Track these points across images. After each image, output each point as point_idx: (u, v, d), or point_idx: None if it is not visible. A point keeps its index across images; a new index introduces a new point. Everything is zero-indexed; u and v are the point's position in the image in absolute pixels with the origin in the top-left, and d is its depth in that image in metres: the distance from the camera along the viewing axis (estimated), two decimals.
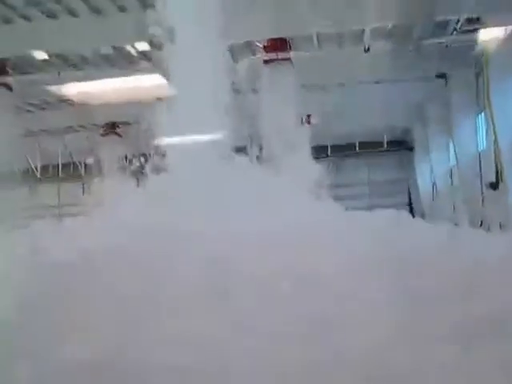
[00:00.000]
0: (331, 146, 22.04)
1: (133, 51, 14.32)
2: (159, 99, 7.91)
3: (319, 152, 21.15)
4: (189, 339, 3.13)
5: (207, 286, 3.74)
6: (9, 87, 14.60)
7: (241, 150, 8.75)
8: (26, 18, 12.67)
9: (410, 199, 23.77)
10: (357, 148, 22.54)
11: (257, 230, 4.93)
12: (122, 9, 12.44)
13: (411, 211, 20.03)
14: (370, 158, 23.12)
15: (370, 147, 22.50)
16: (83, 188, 22.00)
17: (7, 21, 12.73)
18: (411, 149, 23.09)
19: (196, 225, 4.87)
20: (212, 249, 4.30)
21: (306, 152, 13.29)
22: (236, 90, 11.65)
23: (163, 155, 7.64)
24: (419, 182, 22.38)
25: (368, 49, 13.01)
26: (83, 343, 3.13)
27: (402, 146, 23.31)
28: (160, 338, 3.18)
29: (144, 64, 13.80)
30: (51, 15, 12.60)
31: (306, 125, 16.53)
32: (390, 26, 13.13)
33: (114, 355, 3.02)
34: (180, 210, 5.46)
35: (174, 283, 3.82)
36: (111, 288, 3.83)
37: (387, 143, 22.53)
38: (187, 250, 4.26)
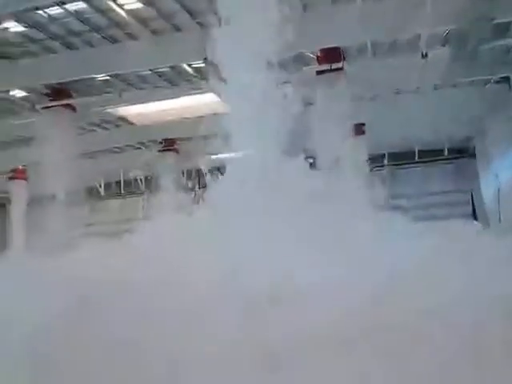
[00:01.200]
0: (389, 155, 21.54)
1: (189, 69, 14.76)
2: (214, 116, 8.03)
3: (376, 161, 20.76)
4: None
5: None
6: (73, 109, 15.47)
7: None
8: (89, 43, 13.40)
9: (473, 209, 22.65)
10: (416, 156, 21.86)
11: (322, 246, 4.84)
12: (179, 29, 12.87)
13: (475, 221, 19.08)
14: (429, 166, 22.33)
15: (429, 155, 21.75)
16: (143, 204, 22.75)
17: (71, 47, 13.52)
18: (473, 156, 22.07)
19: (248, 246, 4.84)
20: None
21: (360, 162, 13.05)
22: (290, 103, 11.64)
23: (219, 170, 7.74)
24: (483, 191, 21.29)
25: (426, 54, 12.60)
26: None
27: (463, 153, 22.33)
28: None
29: (199, 82, 14.16)
30: (112, 40, 13.26)
31: (360, 135, 16.20)
32: (446, 30, 12.73)
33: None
34: (232, 227, 5.47)
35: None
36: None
37: (447, 151, 21.69)
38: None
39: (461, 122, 18.65)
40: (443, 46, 13.29)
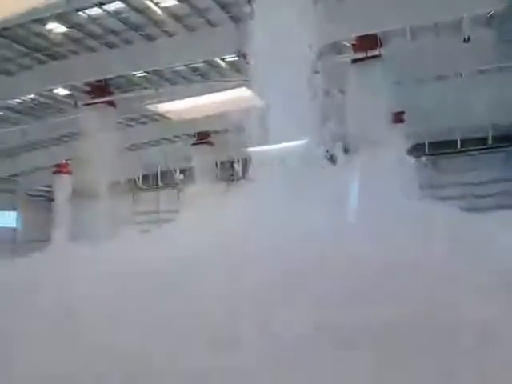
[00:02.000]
0: (429, 144, 20.88)
1: (223, 64, 14.78)
2: (247, 109, 8.03)
3: (416, 151, 20.11)
4: None
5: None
6: (113, 104, 15.83)
7: (330, 153, 8.58)
8: (128, 41, 13.63)
9: None
10: (458, 145, 21.06)
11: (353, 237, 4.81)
12: (213, 24, 12.89)
13: None
14: (472, 155, 21.47)
15: (472, 144, 20.90)
16: (179, 195, 23.14)
17: (111, 45, 13.79)
18: None
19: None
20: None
21: (399, 152, 12.68)
22: (324, 93, 11.47)
23: (251, 162, 7.75)
24: None
25: (468, 38, 12.04)
26: None
27: (509, 141, 21.33)
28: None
29: (232, 76, 14.14)
30: (149, 38, 13.43)
31: (399, 123, 15.72)
32: (490, 12, 12.14)
33: None
34: (264, 217, 5.48)
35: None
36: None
37: (492, 139, 20.77)
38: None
39: (506, 109, 17.87)
40: (486, 28, 12.70)
